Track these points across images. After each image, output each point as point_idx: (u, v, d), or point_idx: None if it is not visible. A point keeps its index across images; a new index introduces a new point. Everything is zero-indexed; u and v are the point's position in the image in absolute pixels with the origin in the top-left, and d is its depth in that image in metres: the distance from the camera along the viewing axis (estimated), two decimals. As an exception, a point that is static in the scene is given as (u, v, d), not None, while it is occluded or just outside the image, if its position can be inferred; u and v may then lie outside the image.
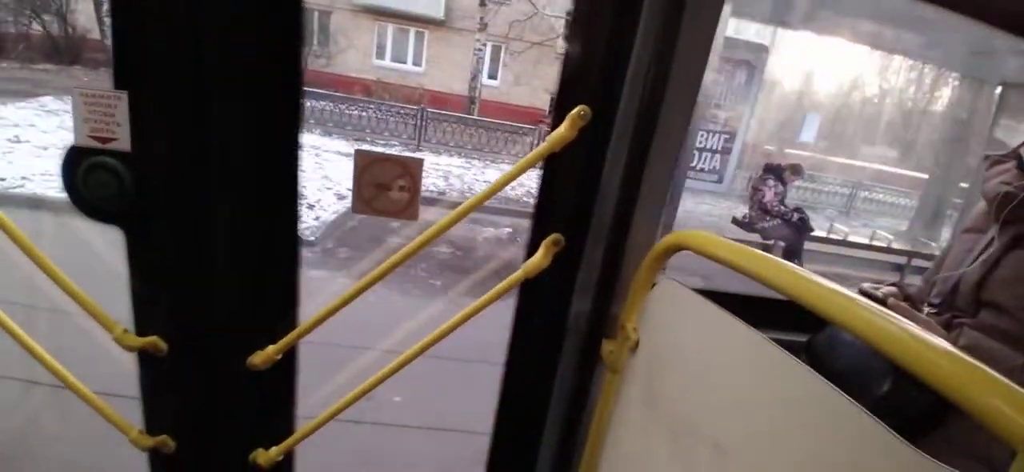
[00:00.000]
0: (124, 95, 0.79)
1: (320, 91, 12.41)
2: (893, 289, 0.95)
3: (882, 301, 0.89)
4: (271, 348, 0.94)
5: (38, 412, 2.28)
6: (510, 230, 7.14)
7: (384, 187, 0.86)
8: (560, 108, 0.84)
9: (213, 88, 0.82)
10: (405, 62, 16.55)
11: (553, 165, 0.89)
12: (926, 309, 0.98)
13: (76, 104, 0.78)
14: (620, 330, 0.91)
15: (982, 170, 1.04)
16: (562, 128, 0.82)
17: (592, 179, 0.88)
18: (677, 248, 0.81)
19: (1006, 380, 0.41)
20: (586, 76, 0.83)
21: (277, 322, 0.95)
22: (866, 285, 0.93)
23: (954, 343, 0.87)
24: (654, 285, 0.86)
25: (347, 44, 15.92)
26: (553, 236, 0.91)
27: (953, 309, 0.95)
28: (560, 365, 1.01)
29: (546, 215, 0.91)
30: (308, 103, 11.51)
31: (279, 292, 0.94)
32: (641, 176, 0.84)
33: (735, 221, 6.38)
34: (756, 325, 0.95)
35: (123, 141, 0.81)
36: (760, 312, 1.03)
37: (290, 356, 0.98)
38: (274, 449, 1.04)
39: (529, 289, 0.98)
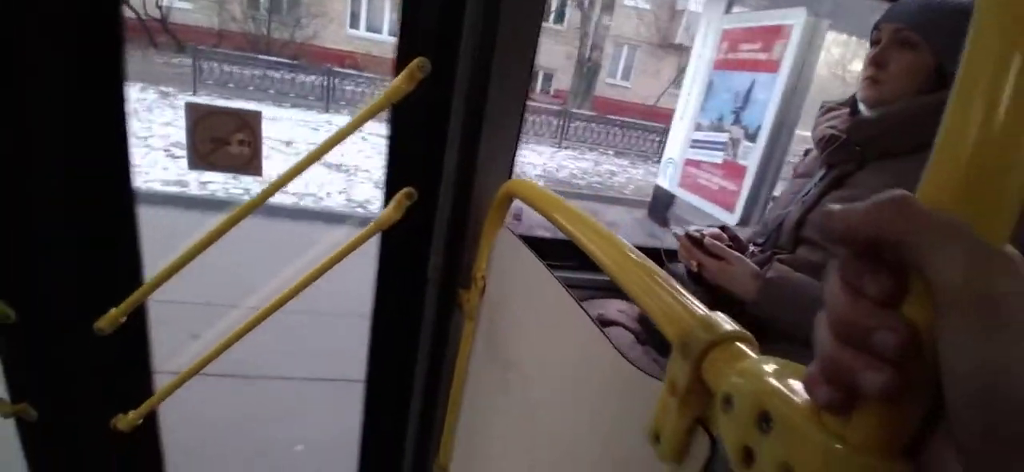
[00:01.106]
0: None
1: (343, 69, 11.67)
2: (716, 230, 1.03)
3: (700, 241, 0.97)
4: (114, 311, 0.91)
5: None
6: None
7: (222, 142, 0.84)
8: (400, 61, 0.84)
9: (29, 43, 0.76)
10: (381, 31, 15.49)
11: (400, 118, 0.89)
12: (751, 248, 1.07)
13: None
14: (472, 278, 0.95)
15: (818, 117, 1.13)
16: (400, 80, 0.82)
17: (439, 132, 0.90)
18: (511, 196, 0.85)
19: (673, 290, 0.46)
20: (424, 29, 0.84)
21: (121, 284, 0.92)
22: (692, 228, 1.00)
23: (764, 275, 0.95)
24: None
25: (319, 12, 14.77)
26: (405, 190, 0.92)
27: (776, 247, 1.04)
28: (424, 314, 1.04)
29: (397, 168, 0.92)
30: (313, 79, 10.92)
31: (118, 253, 0.91)
32: (481, 127, 0.86)
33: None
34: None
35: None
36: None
37: (138, 317, 0.96)
38: (132, 413, 1.02)
39: (388, 242, 0.99)
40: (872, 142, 0.96)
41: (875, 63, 0.95)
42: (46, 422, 1.04)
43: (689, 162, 3.27)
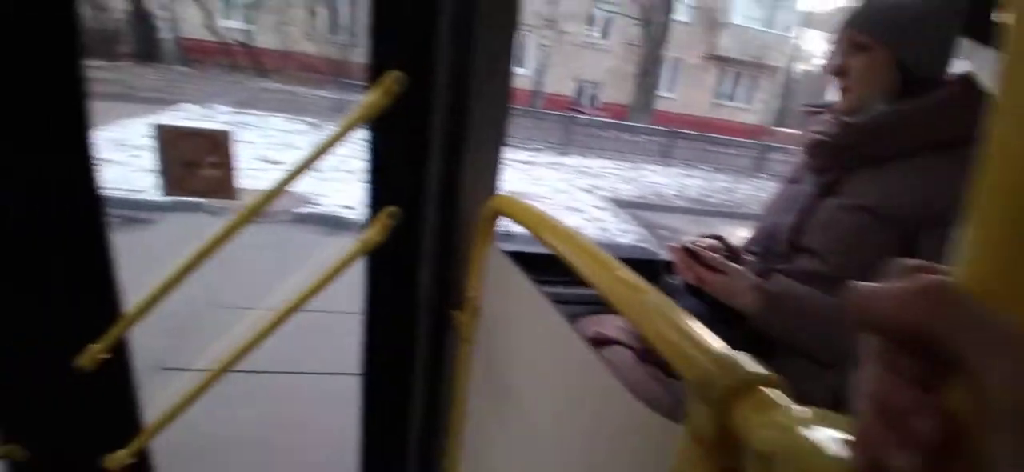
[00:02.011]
0: None
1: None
2: (714, 241, 0.98)
3: (696, 254, 0.91)
4: (95, 347, 0.88)
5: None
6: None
7: (194, 165, 0.81)
8: (373, 74, 0.80)
9: None
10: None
11: (378, 135, 0.85)
12: (748, 257, 1.01)
13: None
14: (466, 299, 0.90)
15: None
16: (374, 96, 0.78)
17: (420, 147, 0.85)
18: (498, 213, 0.80)
19: (677, 319, 0.41)
20: (397, 41, 0.80)
21: (99, 319, 0.89)
22: (687, 239, 0.95)
23: (764, 287, 0.90)
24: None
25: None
26: (388, 209, 0.88)
27: (771, 256, 0.99)
28: (417, 336, 1.00)
29: (378, 187, 0.88)
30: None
31: (94, 288, 0.88)
32: (464, 141, 0.81)
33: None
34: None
35: None
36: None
37: (121, 352, 0.93)
38: (122, 451, 0.99)
39: (376, 263, 0.95)
40: (855, 149, 0.94)
41: (837, 73, 0.95)
42: (37, 463, 1.02)
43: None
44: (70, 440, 1.01)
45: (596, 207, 7.60)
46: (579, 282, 0.73)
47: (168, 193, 0.82)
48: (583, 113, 14.62)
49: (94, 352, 0.88)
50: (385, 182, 0.88)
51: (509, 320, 0.76)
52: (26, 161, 0.78)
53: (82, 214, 0.82)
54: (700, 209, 9.12)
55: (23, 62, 0.72)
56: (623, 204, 8.09)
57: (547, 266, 0.89)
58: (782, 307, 0.87)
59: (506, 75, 0.81)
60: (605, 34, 19.69)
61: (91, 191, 0.81)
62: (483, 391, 0.89)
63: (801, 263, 0.93)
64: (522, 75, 17.10)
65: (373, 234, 0.88)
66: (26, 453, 1.01)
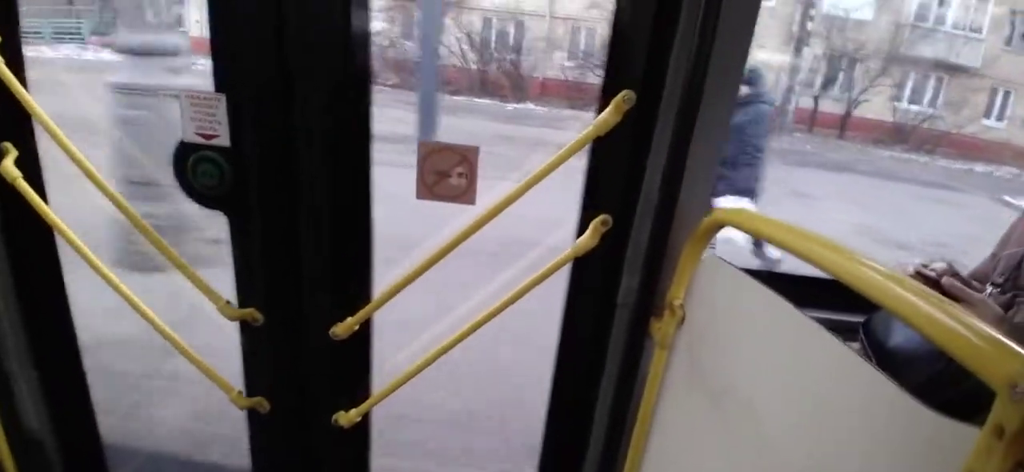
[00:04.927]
0: (222, 97, 0.91)
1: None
2: (945, 267, 0.92)
3: (936, 281, 0.86)
4: (350, 319, 1.05)
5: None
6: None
7: (443, 175, 0.94)
8: (605, 93, 0.88)
9: (296, 91, 0.93)
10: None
11: (600, 148, 0.93)
12: (990, 288, 0.94)
13: (183, 105, 0.92)
14: (667, 308, 0.94)
15: None
16: (607, 113, 0.86)
17: (638, 160, 0.92)
18: (720, 225, 0.83)
19: (980, 326, 0.43)
20: (630, 62, 0.87)
21: (355, 297, 1.06)
22: (917, 263, 0.90)
23: (1011, 319, 0.83)
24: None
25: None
26: (601, 217, 0.95)
27: (1017, 287, 0.90)
28: (611, 341, 1.06)
29: (594, 196, 0.96)
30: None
31: (355, 271, 1.05)
32: (686, 156, 0.86)
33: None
34: (807, 304, 0.96)
35: (223, 138, 0.94)
36: (811, 292, 1.03)
37: (366, 327, 1.09)
38: (353, 411, 1.16)
39: (579, 268, 1.03)
40: None
41: None
42: (277, 415, 1.22)
43: None
44: (309, 398, 1.21)
45: None
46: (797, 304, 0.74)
47: (420, 196, 0.96)
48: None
49: (349, 324, 1.05)
50: (600, 192, 0.96)
51: (734, 330, 0.79)
52: (327, 183, 0.97)
53: (359, 219, 1.00)
54: None
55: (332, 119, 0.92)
56: None
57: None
58: None
59: (732, 97, 0.85)
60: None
61: (366, 203, 0.99)
62: (685, 395, 0.92)
63: None
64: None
65: (586, 240, 0.96)
66: (269, 405, 1.22)
